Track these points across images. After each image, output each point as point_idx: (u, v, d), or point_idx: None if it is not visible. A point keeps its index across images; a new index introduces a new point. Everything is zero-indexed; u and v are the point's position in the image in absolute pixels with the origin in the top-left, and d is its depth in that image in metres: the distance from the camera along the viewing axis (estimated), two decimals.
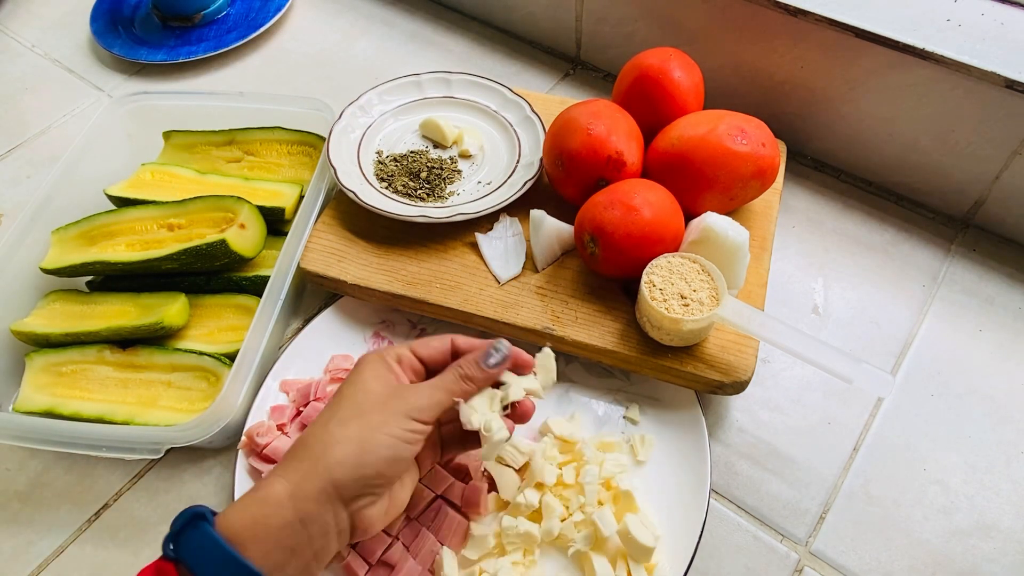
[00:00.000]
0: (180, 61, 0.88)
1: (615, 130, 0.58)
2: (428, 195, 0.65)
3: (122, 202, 0.68)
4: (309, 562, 0.39)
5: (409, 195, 0.65)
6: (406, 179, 0.66)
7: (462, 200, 0.64)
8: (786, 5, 0.64)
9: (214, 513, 0.39)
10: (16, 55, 0.94)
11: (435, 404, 0.43)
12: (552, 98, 0.73)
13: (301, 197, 0.68)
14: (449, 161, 0.68)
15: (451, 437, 0.49)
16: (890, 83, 0.64)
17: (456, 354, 0.47)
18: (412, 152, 0.69)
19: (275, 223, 0.66)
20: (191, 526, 0.37)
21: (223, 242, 0.61)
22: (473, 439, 0.47)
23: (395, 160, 0.68)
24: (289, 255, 0.61)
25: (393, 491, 0.43)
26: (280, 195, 0.68)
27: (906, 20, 0.61)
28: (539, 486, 0.52)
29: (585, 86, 0.84)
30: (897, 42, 0.60)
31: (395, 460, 0.41)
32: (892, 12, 0.62)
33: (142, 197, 0.67)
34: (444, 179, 0.66)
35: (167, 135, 0.74)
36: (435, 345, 0.47)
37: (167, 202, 0.65)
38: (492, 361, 0.46)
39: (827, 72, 0.67)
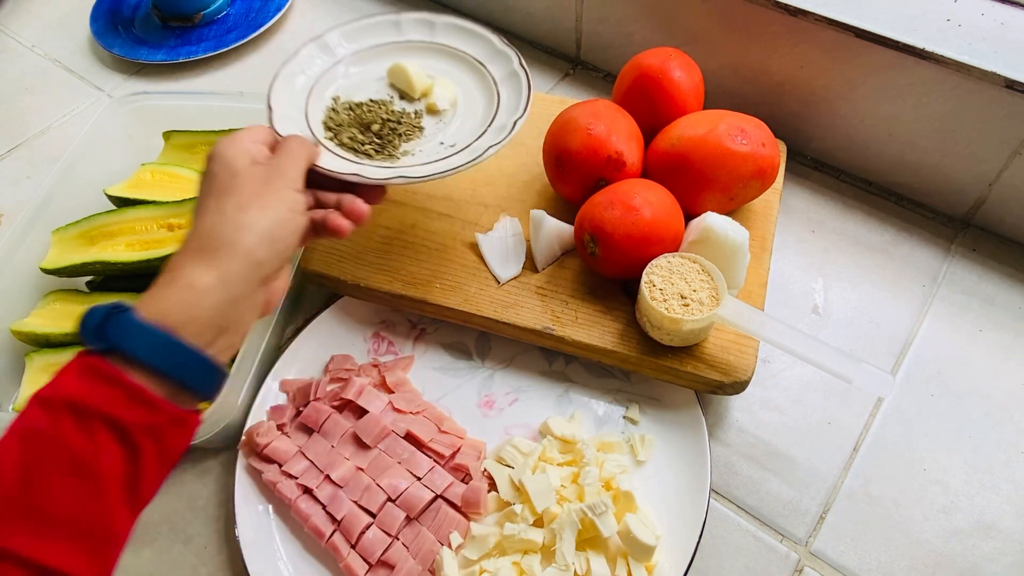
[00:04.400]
0: (180, 61, 0.88)
1: (615, 130, 0.58)
2: (376, 151, 0.56)
3: (122, 202, 0.68)
4: (234, 338, 0.40)
5: (355, 150, 0.55)
6: (355, 131, 0.56)
7: (414, 161, 0.55)
8: (786, 5, 0.64)
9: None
10: (16, 55, 0.94)
11: (302, 171, 0.45)
12: (552, 98, 0.73)
13: None
14: (412, 115, 0.59)
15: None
16: (890, 83, 0.64)
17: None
18: (372, 101, 0.59)
19: None
20: (113, 318, 0.36)
21: None
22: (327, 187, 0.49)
23: (349, 109, 0.58)
24: None
25: (281, 272, 0.45)
26: None
27: (906, 20, 0.61)
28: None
29: (585, 86, 0.84)
30: (897, 42, 0.60)
31: (296, 231, 0.43)
32: (892, 12, 0.62)
33: (142, 197, 0.67)
34: (400, 135, 0.57)
35: (167, 135, 0.74)
36: (264, 129, 0.49)
37: (167, 202, 0.65)
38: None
39: (827, 72, 0.67)
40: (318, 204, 0.48)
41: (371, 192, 0.50)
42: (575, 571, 0.48)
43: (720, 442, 0.57)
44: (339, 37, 0.62)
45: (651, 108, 0.62)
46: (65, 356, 0.60)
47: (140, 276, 0.64)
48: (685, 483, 0.53)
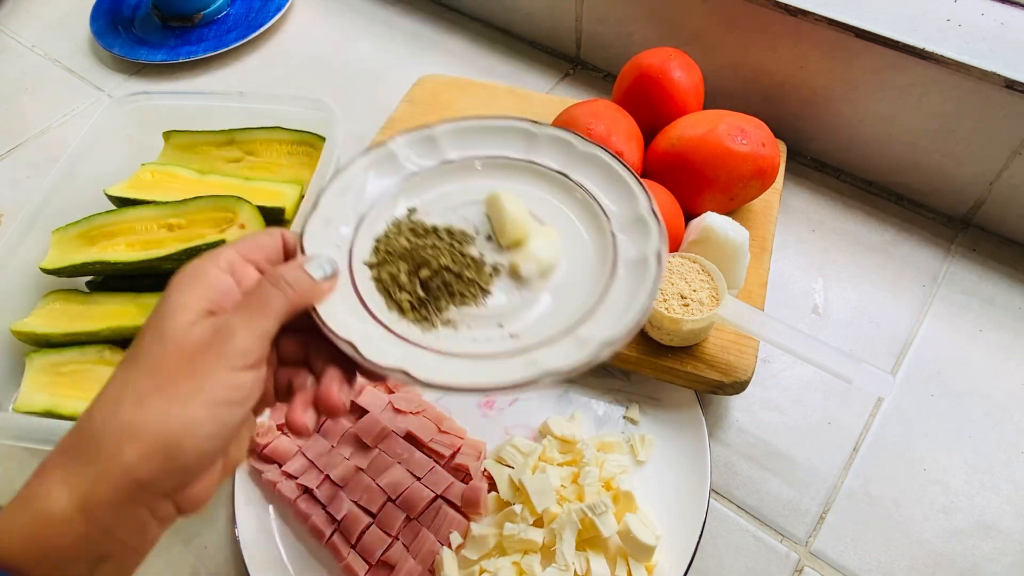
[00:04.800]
0: (180, 61, 0.88)
1: (615, 130, 0.58)
2: (412, 307, 0.40)
3: (122, 202, 0.68)
4: (125, 561, 0.31)
5: (388, 294, 0.40)
6: (401, 268, 0.41)
7: (448, 346, 0.39)
8: (786, 5, 0.64)
9: None
10: (16, 55, 0.94)
11: (261, 337, 0.33)
12: (552, 98, 0.73)
13: (301, 197, 0.68)
14: (487, 271, 0.42)
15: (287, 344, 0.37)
16: (890, 83, 0.64)
17: (288, 254, 0.38)
18: (448, 232, 0.43)
19: (275, 223, 0.66)
20: None
21: (223, 242, 0.61)
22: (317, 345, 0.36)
23: (414, 233, 0.43)
24: None
25: (228, 451, 0.34)
26: (280, 195, 0.68)
27: (906, 20, 0.61)
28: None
29: (585, 86, 0.84)
30: (897, 42, 0.60)
31: (216, 435, 0.31)
32: (892, 12, 0.62)
33: (142, 197, 0.67)
34: (454, 295, 0.41)
35: (167, 135, 0.73)
36: (265, 243, 0.37)
37: (167, 202, 0.65)
38: (318, 274, 0.36)
39: (827, 72, 0.67)
40: (304, 355, 0.37)
41: (369, 371, 0.36)
42: (575, 571, 0.48)
43: (720, 442, 0.57)
44: (448, 135, 0.47)
45: (651, 108, 0.62)
46: (65, 356, 0.60)
47: (140, 276, 0.64)
48: (685, 483, 0.53)
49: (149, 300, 0.62)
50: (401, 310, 0.40)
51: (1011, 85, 0.57)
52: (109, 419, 0.30)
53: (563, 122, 0.60)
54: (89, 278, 0.67)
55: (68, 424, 0.53)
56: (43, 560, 0.29)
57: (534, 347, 0.38)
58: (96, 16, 0.95)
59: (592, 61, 0.85)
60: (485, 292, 0.41)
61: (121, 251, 0.64)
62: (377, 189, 0.45)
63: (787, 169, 0.70)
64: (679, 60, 0.62)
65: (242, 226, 0.62)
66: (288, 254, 0.38)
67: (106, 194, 0.68)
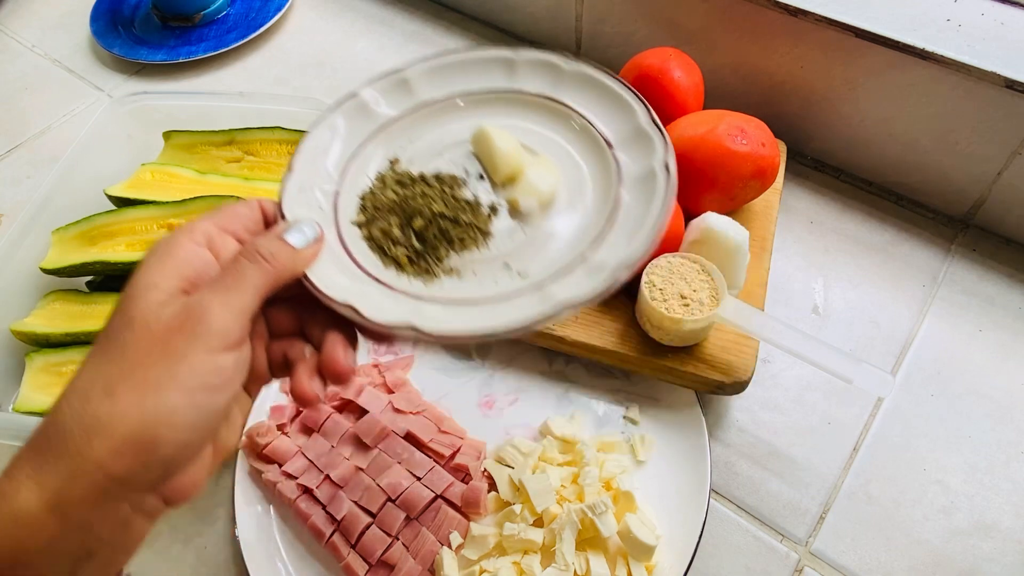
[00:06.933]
0: (180, 61, 0.88)
1: None
2: (411, 260, 0.38)
3: (122, 202, 0.68)
4: (111, 558, 0.29)
5: (383, 250, 0.38)
6: (393, 221, 0.39)
7: (452, 293, 0.37)
8: (786, 5, 0.64)
9: None
10: (16, 55, 0.94)
11: (240, 314, 0.30)
12: None
13: None
14: (485, 212, 0.40)
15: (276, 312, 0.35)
16: (890, 83, 0.64)
17: (268, 222, 0.36)
18: (436, 178, 0.41)
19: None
20: None
21: None
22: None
23: (400, 183, 0.41)
24: None
25: (218, 436, 0.32)
26: None
27: (906, 20, 0.61)
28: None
29: None
30: (897, 42, 0.60)
31: (198, 424, 0.29)
32: (892, 12, 0.62)
33: (142, 197, 0.67)
34: (452, 241, 0.39)
35: (167, 135, 0.73)
36: (242, 212, 0.35)
37: (167, 202, 0.65)
38: (298, 240, 0.34)
39: (827, 72, 0.67)
40: (299, 325, 0.35)
41: (373, 332, 0.34)
42: (575, 571, 0.48)
43: (720, 442, 0.57)
44: (418, 76, 0.44)
45: None
46: (65, 356, 0.60)
47: None
48: (685, 483, 0.53)
49: None
50: (399, 265, 0.38)
51: (1011, 85, 0.57)
52: (78, 412, 0.28)
53: None
54: (89, 278, 0.67)
55: None
56: (17, 562, 0.27)
57: (547, 281, 0.36)
58: (96, 16, 0.95)
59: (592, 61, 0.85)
60: (486, 234, 0.39)
61: (121, 251, 0.64)
62: (354, 143, 0.43)
63: (787, 169, 0.70)
64: (679, 60, 0.62)
65: None
66: (268, 222, 0.36)
67: (106, 194, 0.68)
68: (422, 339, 0.33)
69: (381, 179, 0.41)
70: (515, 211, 0.40)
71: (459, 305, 0.36)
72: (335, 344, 0.33)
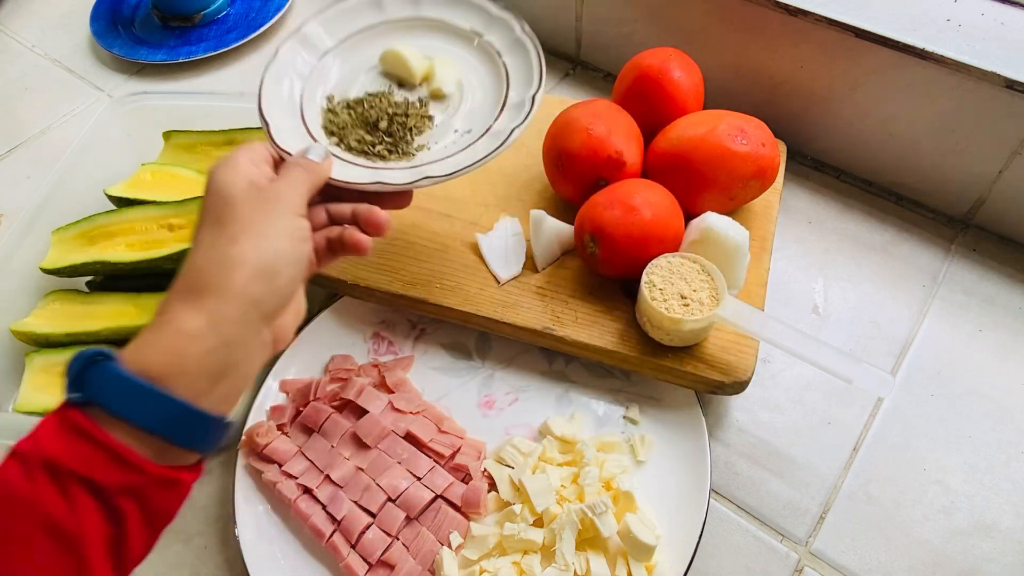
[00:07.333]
0: (180, 61, 0.88)
1: (615, 130, 0.58)
2: (390, 151, 0.51)
3: (122, 202, 0.68)
4: (236, 384, 0.37)
5: (366, 152, 0.51)
6: (361, 132, 0.52)
7: (433, 157, 0.51)
8: (786, 5, 0.64)
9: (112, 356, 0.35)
10: (16, 55, 0.94)
11: (303, 195, 0.41)
12: (552, 98, 0.73)
13: None
14: (418, 104, 0.54)
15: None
16: (890, 83, 0.64)
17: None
18: (370, 95, 0.54)
19: None
20: (93, 367, 0.33)
21: None
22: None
23: (348, 107, 0.54)
24: None
25: (297, 300, 0.42)
26: None
27: (906, 20, 0.61)
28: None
29: (585, 86, 0.84)
30: (897, 42, 0.60)
31: (299, 261, 0.39)
32: (892, 12, 0.62)
33: (142, 197, 0.67)
34: (410, 129, 0.52)
35: (167, 135, 0.74)
36: (264, 147, 0.46)
37: (167, 202, 0.65)
38: (318, 156, 0.44)
39: (827, 72, 0.67)
40: (332, 220, 0.45)
41: (396, 198, 0.47)
42: (575, 571, 0.48)
43: (720, 442, 0.57)
44: (318, 27, 0.56)
45: (651, 108, 0.62)
46: (65, 356, 0.60)
47: (140, 276, 0.64)
48: (685, 483, 0.53)
49: (149, 300, 0.62)
50: (383, 157, 0.51)
51: (1011, 85, 0.57)
52: (210, 260, 0.37)
53: (563, 122, 0.60)
54: (89, 278, 0.67)
55: None
56: (177, 373, 0.34)
57: (481, 132, 0.51)
58: (96, 16, 0.95)
59: (592, 61, 0.85)
60: (430, 117, 0.54)
61: (121, 251, 0.64)
62: (296, 96, 0.54)
63: (787, 169, 0.70)
64: (679, 60, 0.62)
65: None
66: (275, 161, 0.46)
67: (106, 194, 0.68)
68: (423, 186, 0.47)
69: (331, 111, 0.54)
70: (438, 98, 0.55)
71: (434, 163, 0.50)
72: (368, 208, 0.44)
